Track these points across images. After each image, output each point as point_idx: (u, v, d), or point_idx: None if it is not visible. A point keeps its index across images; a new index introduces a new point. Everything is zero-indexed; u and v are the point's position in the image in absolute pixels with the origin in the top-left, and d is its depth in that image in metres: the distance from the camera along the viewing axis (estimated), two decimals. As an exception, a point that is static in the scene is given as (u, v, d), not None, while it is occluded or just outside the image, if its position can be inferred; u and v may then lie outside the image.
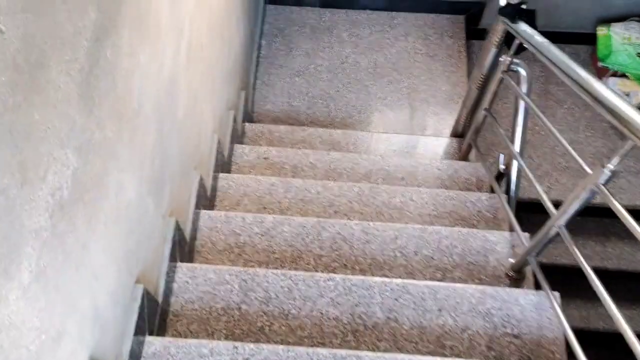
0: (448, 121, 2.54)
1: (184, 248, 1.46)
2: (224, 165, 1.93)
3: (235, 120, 2.10)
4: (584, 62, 2.87)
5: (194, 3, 1.48)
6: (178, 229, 1.39)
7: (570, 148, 1.32)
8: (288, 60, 2.68)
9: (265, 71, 2.65)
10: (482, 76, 1.99)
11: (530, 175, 1.57)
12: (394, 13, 2.80)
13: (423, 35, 2.76)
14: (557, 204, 2.66)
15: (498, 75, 1.81)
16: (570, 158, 2.72)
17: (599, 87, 1.15)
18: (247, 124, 2.31)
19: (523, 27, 1.67)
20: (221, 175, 1.84)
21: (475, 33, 2.90)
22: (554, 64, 1.43)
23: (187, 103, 1.46)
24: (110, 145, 0.96)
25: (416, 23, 2.79)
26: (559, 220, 1.29)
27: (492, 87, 1.87)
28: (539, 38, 1.56)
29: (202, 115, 1.65)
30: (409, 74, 2.66)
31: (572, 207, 1.25)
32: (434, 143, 2.30)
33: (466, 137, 2.25)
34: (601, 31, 2.64)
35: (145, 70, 1.10)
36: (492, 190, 2.00)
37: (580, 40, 2.89)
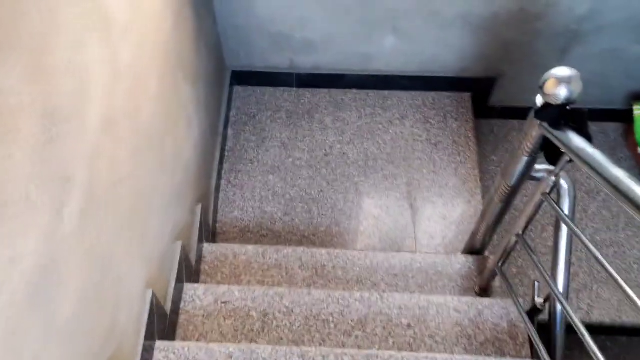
0: (460, 227, 2.05)
1: None
2: (166, 320, 1.41)
3: (186, 252, 1.59)
4: (615, 143, 2.41)
5: (100, 127, 1.00)
6: None
7: None
8: (260, 153, 2.20)
9: (232, 168, 2.16)
10: (508, 187, 1.51)
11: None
12: (386, 92, 2.35)
13: (422, 118, 2.29)
14: (601, 328, 2.15)
15: (537, 196, 1.33)
16: (614, 266, 2.23)
17: None
18: (205, 245, 1.80)
19: (571, 137, 1.19)
20: (159, 345, 1.32)
21: (484, 111, 2.45)
22: (625, 197, 0.94)
23: (86, 282, 0.95)
24: None
25: (413, 103, 2.33)
26: None
27: (529, 210, 1.38)
28: (600, 159, 1.08)
29: (122, 279, 1.14)
30: (407, 167, 2.18)
31: None
32: (445, 263, 1.79)
33: (489, 262, 1.76)
34: (638, 110, 2.19)
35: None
36: (531, 344, 1.49)
37: (608, 117, 2.44)
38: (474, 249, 1.83)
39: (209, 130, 1.98)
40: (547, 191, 1.30)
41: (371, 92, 2.35)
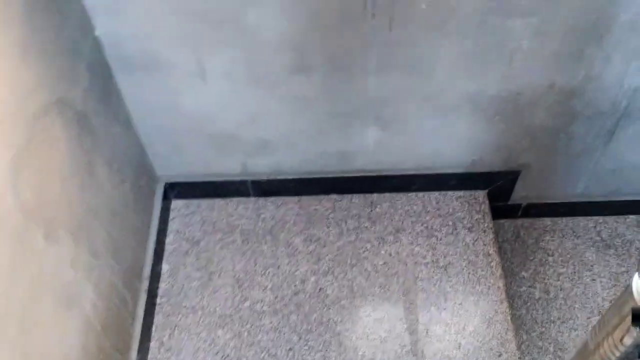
0: (489, 398, 1.43)
1: None
2: None
3: None
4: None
5: None
6: None
7: None
8: (205, 296, 1.60)
9: (167, 322, 1.56)
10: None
11: None
12: (374, 196, 1.77)
13: (425, 230, 1.71)
14: None
15: None
16: None
17: None
18: None
19: None
20: None
21: (504, 210, 1.87)
22: None
23: None
24: None
25: (411, 210, 1.74)
26: None
27: None
28: None
29: None
30: (409, 305, 1.57)
31: None
32: None
33: None
34: None
35: None
36: None
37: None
38: None
39: (123, 281, 1.39)
40: None
41: (354, 197, 1.77)
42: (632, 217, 1.88)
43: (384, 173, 1.72)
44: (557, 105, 1.50)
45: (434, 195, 1.77)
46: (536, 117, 1.53)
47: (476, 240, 1.68)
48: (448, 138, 1.61)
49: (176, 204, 1.77)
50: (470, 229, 1.70)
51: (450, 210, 1.74)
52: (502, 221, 1.89)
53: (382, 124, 1.55)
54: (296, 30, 1.29)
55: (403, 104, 1.49)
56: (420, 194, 1.77)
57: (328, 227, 1.72)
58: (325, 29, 1.30)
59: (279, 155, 1.65)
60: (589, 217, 1.88)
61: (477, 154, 1.66)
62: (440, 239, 1.68)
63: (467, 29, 1.30)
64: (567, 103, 1.49)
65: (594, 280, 1.75)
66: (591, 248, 1.82)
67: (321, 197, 1.77)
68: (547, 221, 1.88)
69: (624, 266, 1.77)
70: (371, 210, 1.75)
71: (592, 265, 1.78)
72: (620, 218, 1.88)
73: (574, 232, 1.86)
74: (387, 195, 1.77)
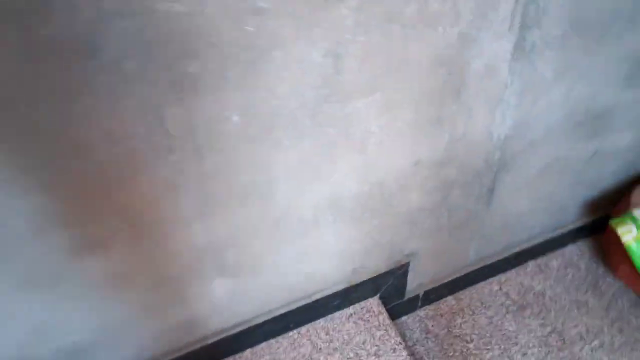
0: None
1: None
2: None
3: None
4: (594, 278, 1.64)
5: None
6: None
7: None
8: None
9: None
10: None
11: None
12: (247, 354, 1.33)
13: (324, 376, 1.30)
14: None
15: None
16: None
17: None
18: None
19: None
20: None
21: (403, 307, 1.55)
22: None
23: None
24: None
25: (299, 355, 1.34)
26: None
27: None
28: None
29: None
30: None
31: None
32: None
33: None
34: (626, 236, 1.43)
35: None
36: None
37: (567, 240, 1.69)
38: None
39: None
40: None
41: (225, 365, 1.32)
42: (530, 264, 1.67)
43: (251, 323, 1.30)
44: (429, 180, 1.22)
45: (320, 325, 1.39)
46: (410, 200, 1.24)
47: (389, 365, 1.32)
48: (317, 257, 1.25)
49: None
50: (377, 355, 1.33)
51: (345, 336, 1.37)
52: (403, 319, 1.57)
53: (229, 271, 1.14)
54: (55, 198, 0.84)
55: (248, 240, 1.10)
56: (303, 330, 1.37)
57: None
58: (104, 184, 0.87)
59: (100, 358, 1.15)
60: (490, 280, 1.64)
61: (357, 262, 1.32)
62: (347, 382, 1.30)
63: (299, 127, 0.97)
64: (439, 175, 1.22)
65: (525, 354, 1.49)
66: (507, 316, 1.56)
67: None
68: (451, 300, 1.60)
69: (547, 325, 1.53)
70: (250, 375, 1.31)
71: (516, 337, 1.51)
72: (521, 269, 1.66)
73: (482, 303, 1.59)
74: (263, 346, 1.35)
